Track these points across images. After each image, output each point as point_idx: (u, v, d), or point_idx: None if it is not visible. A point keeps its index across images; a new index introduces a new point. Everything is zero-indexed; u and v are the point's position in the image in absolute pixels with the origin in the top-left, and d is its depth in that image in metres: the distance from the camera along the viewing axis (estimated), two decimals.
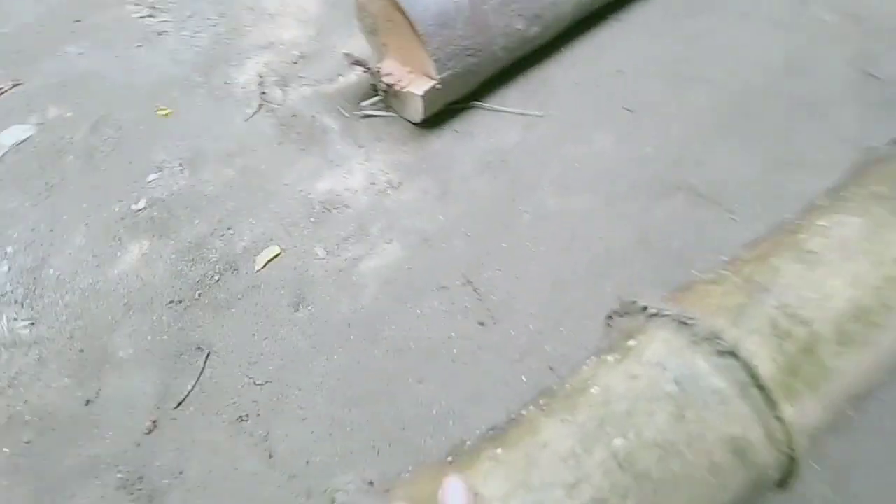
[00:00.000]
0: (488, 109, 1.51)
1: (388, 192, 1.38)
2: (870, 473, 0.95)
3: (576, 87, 1.54)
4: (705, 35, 1.61)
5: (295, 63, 1.66)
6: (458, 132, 1.48)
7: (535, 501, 0.69)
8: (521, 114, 1.49)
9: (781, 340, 0.81)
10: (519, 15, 1.42)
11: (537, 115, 1.49)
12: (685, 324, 0.82)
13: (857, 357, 0.84)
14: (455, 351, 1.12)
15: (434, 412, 1.05)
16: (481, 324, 1.16)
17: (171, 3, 1.86)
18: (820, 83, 1.47)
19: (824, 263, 0.87)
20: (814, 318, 0.83)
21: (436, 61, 1.33)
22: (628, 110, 1.47)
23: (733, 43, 1.58)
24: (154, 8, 1.84)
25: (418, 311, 1.18)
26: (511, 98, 1.53)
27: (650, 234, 1.25)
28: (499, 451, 0.73)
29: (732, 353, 0.79)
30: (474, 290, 1.21)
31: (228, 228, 1.33)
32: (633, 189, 1.33)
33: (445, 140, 1.46)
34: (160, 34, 1.74)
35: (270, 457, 1.02)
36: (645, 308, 0.87)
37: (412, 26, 1.30)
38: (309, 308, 1.21)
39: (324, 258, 1.28)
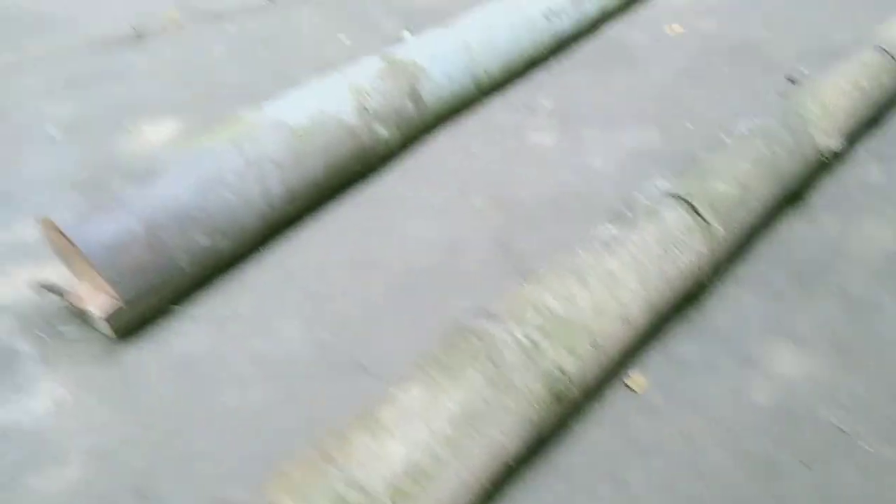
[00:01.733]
0: (185, 316, 1.64)
1: (73, 410, 1.42)
2: None
3: (269, 285, 1.73)
4: (384, 227, 1.90)
5: None
6: (153, 341, 1.59)
7: None
8: (213, 314, 1.64)
9: None
10: (201, 233, 1.61)
11: (227, 315, 1.64)
12: None
13: None
14: None
15: None
16: None
17: None
18: (470, 258, 1.78)
19: (387, 430, 1.04)
20: (370, 482, 0.98)
21: (114, 284, 1.46)
22: (312, 300, 1.67)
23: (404, 231, 1.88)
24: None
25: None
26: (209, 302, 1.68)
27: (320, 414, 1.40)
28: None
29: None
30: (145, 500, 1.25)
31: None
32: (309, 373, 1.49)
33: (140, 351, 1.56)
34: None
35: None
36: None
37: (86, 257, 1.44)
38: None
39: None
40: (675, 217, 1.45)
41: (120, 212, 1.49)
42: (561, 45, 2.74)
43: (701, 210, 1.47)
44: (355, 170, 2.00)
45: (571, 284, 1.30)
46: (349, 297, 1.69)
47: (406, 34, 2.98)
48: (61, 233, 1.48)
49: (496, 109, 2.42)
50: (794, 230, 1.77)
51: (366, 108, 1.95)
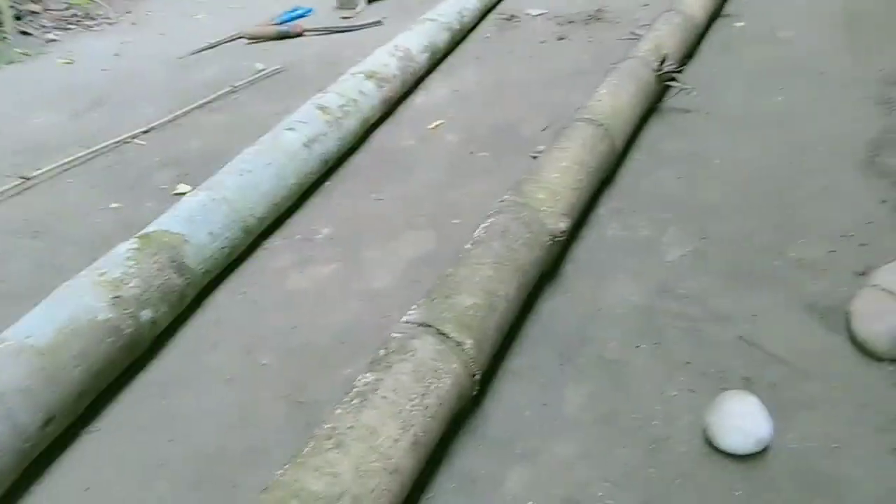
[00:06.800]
0: None
1: None
2: None
3: None
4: (172, 415, 1.81)
5: None
6: None
7: None
8: None
9: None
10: None
11: None
12: None
13: None
14: None
15: None
16: None
17: None
18: (263, 427, 1.73)
19: None
20: None
21: None
22: None
23: (192, 412, 1.80)
24: None
25: None
26: None
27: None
28: None
29: None
30: None
31: None
32: None
33: None
34: None
35: None
36: None
37: None
38: None
39: None
40: (426, 346, 1.52)
41: None
42: (331, 166, 2.84)
43: (449, 332, 1.55)
44: (127, 362, 1.91)
45: (332, 455, 1.30)
46: None
47: (182, 186, 2.92)
48: None
49: (275, 249, 2.42)
50: (553, 306, 1.91)
51: (121, 297, 1.88)
